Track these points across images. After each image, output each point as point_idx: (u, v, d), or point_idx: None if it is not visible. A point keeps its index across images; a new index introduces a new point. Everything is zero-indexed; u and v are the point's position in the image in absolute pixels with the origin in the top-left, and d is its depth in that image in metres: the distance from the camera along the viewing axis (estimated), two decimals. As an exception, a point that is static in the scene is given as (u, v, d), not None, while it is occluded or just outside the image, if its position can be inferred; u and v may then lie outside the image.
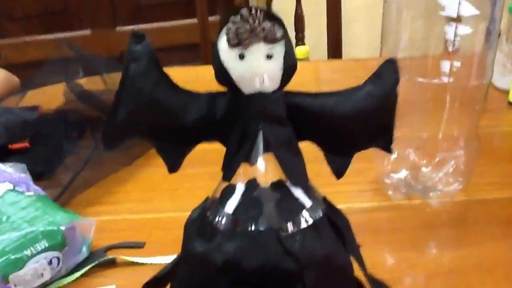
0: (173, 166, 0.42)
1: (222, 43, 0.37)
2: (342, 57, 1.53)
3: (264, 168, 0.41)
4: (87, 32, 1.74)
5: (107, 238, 0.63)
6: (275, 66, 0.38)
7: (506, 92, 0.98)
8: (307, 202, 0.41)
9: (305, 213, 0.41)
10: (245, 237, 0.39)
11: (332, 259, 0.41)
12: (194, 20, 1.61)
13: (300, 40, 1.62)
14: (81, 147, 0.78)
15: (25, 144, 0.79)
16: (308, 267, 0.39)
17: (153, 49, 0.38)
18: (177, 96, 0.39)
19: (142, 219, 0.69)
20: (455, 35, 0.62)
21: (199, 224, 0.42)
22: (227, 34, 0.37)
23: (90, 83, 0.87)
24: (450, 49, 0.63)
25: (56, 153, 0.77)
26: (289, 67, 0.38)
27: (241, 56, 0.37)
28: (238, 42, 0.36)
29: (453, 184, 0.69)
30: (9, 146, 0.79)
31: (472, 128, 0.69)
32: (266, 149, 0.40)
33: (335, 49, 1.51)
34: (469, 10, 0.61)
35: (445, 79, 0.64)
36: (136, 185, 0.77)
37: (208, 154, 0.67)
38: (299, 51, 1.29)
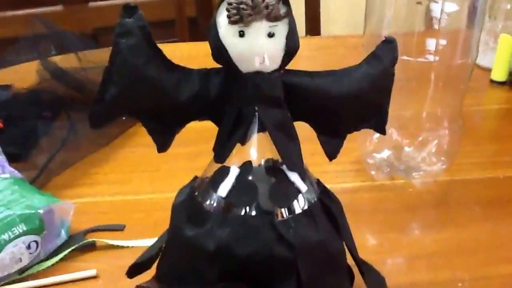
0: (163, 145, 0.41)
1: (222, 19, 0.36)
2: (320, 34, 1.51)
3: (258, 149, 0.40)
4: (58, 8, 1.70)
5: (86, 221, 0.62)
6: (277, 46, 0.36)
7: (489, 70, 0.98)
8: (303, 187, 0.40)
9: (300, 198, 0.40)
10: (238, 222, 0.38)
11: (326, 246, 0.40)
12: (169, -5, 1.58)
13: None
14: (56, 128, 0.76)
15: (-1, 125, 0.77)
16: (302, 254, 0.38)
17: (145, 23, 0.36)
18: (170, 73, 0.38)
19: (122, 201, 0.68)
20: (441, 12, 0.61)
21: (189, 207, 0.41)
22: (227, 9, 0.35)
23: (64, 61, 0.85)
24: (436, 26, 0.62)
25: (30, 135, 0.75)
26: (292, 47, 0.37)
27: (241, 34, 0.36)
28: (240, 19, 0.35)
29: (436, 164, 0.69)
30: (-18, 127, 0.76)
31: (456, 107, 0.68)
32: (261, 129, 0.39)
33: (313, 26, 1.49)
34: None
35: (430, 57, 0.63)
36: (114, 166, 0.75)
37: (188, 134, 0.66)
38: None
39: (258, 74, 0.37)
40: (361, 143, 0.71)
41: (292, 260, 0.38)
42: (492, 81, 0.97)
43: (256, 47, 0.36)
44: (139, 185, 0.71)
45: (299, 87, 0.39)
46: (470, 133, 0.77)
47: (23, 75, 0.87)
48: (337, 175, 0.70)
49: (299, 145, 0.40)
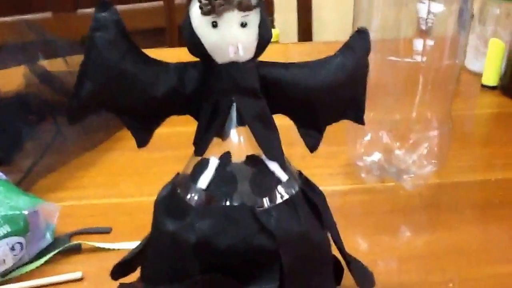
0: (142, 140, 0.40)
1: (194, 10, 0.36)
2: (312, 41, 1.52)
3: (237, 142, 0.39)
4: (47, 14, 1.70)
5: (71, 224, 0.61)
6: (250, 35, 0.36)
7: (479, 75, 0.98)
8: (283, 177, 0.40)
9: (280, 188, 0.39)
10: (219, 214, 0.37)
11: (309, 236, 0.40)
12: (160, 3, 1.58)
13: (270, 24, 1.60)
14: (42, 132, 0.75)
15: (-18, 128, 0.76)
16: (284, 244, 0.37)
17: (120, 17, 0.36)
18: (146, 68, 0.37)
19: (108, 204, 0.67)
20: (428, 13, 0.61)
21: (170, 202, 0.40)
22: (199, 0, 0.35)
23: (51, 65, 0.84)
24: (423, 27, 0.62)
25: (15, 138, 0.74)
26: (264, 37, 0.37)
27: (214, 24, 0.35)
28: (211, 9, 0.35)
29: (426, 167, 0.69)
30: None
31: (445, 109, 0.68)
32: (240, 122, 0.38)
33: (305, 34, 1.50)
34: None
35: (418, 58, 0.63)
36: (101, 169, 0.75)
37: (175, 138, 0.66)
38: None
39: (233, 64, 0.37)
40: (351, 146, 0.71)
41: (274, 251, 0.37)
42: (483, 86, 0.97)
43: (229, 37, 0.36)
44: (125, 188, 0.70)
45: (275, 79, 0.39)
46: (461, 137, 0.77)
47: (10, 79, 0.86)
48: (327, 177, 0.69)
49: (279, 135, 0.40)
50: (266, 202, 0.38)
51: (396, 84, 0.66)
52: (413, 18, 0.63)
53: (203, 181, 0.39)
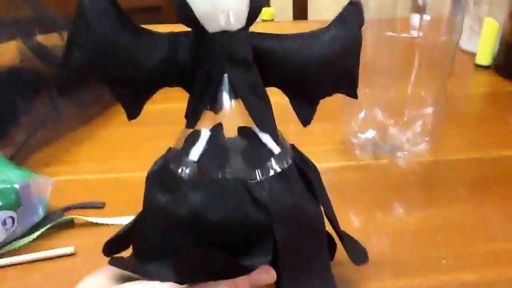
0: (133, 112, 0.39)
1: None
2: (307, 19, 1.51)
3: (230, 115, 0.39)
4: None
5: (64, 199, 0.61)
6: (241, 2, 0.36)
7: (474, 55, 0.97)
8: (276, 149, 0.39)
9: (273, 160, 0.39)
10: (211, 186, 0.37)
11: (302, 209, 0.39)
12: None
13: (265, 3, 1.59)
14: (36, 106, 0.74)
15: (-24, 102, 0.75)
16: (277, 216, 0.37)
17: None
18: (137, 37, 0.36)
19: (102, 179, 0.67)
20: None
21: (162, 176, 0.40)
22: None
23: (47, 40, 0.83)
24: (420, 3, 0.61)
25: (9, 112, 0.73)
26: (255, 4, 0.36)
27: None
28: None
29: (420, 144, 0.69)
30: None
31: (440, 87, 0.68)
32: (232, 95, 0.38)
33: (300, 14, 1.48)
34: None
35: (414, 33, 0.62)
36: (95, 144, 0.75)
37: (169, 113, 0.66)
38: (264, 13, 1.26)
39: (224, 33, 0.36)
40: (345, 123, 0.71)
41: (267, 223, 0.37)
42: (476, 66, 0.97)
43: (220, 4, 0.35)
44: (120, 163, 0.70)
45: (268, 51, 0.38)
46: (454, 115, 0.77)
47: (4, 53, 0.85)
48: (322, 154, 0.69)
49: (271, 107, 0.39)
50: (258, 174, 0.38)
51: (391, 61, 0.66)
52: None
53: (195, 153, 0.38)
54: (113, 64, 0.37)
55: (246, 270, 0.37)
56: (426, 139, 0.69)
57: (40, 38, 0.83)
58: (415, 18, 0.62)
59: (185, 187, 0.37)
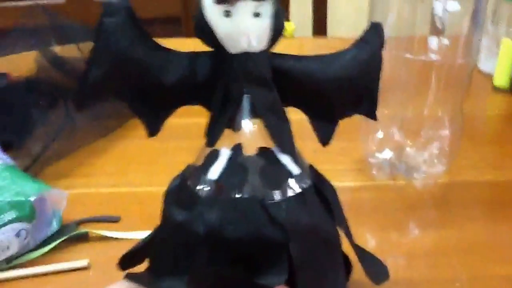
0: (153, 130, 0.39)
1: None
2: (326, 35, 1.51)
3: (249, 134, 0.39)
4: (61, 0, 1.69)
5: (79, 212, 0.61)
6: (263, 25, 0.36)
7: (491, 76, 0.97)
8: (295, 170, 0.39)
9: (291, 181, 0.39)
10: (229, 205, 0.37)
11: (319, 229, 0.39)
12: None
13: (285, 18, 1.59)
14: (52, 117, 0.75)
15: (-9, 112, 0.76)
16: (294, 236, 0.37)
17: (130, 4, 0.35)
18: (156, 55, 0.37)
19: (117, 193, 0.66)
20: (444, 11, 0.60)
21: (179, 193, 0.40)
22: None
23: (64, 51, 0.84)
24: (438, 25, 0.61)
25: (25, 123, 0.74)
26: (278, 27, 0.36)
27: (227, 13, 0.35)
28: None
29: (437, 165, 0.68)
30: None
31: (456, 107, 0.67)
32: (251, 114, 0.38)
33: (320, 29, 1.49)
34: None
35: (432, 56, 0.62)
36: (111, 157, 0.74)
37: (187, 128, 0.66)
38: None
39: (245, 54, 0.36)
40: (363, 142, 0.71)
41: (283, 243, 0.37)
42: (494, 87, 0.96)
43: (242, 27, 0.35)
44: (135, 178, 0.70)
45: (287, 70, 0.38)
46: (471, 137, 0.77)
47: (21, 64, 0.86)
48: (338, 173, 0.69)
49: (290, 127, 0.39)
50: (276, 195, 0.38)
51: (408, 82, 0.65)
52: (428, 16, 0.62)
53: (214, 172, 0.38)
54: (132, 81, 0.37)
55: None
56: (443, 160, 0.68)
57: (57, 49, 0.84)
58: (433, 41, 0.62)
59: (202, 205, 0.37)
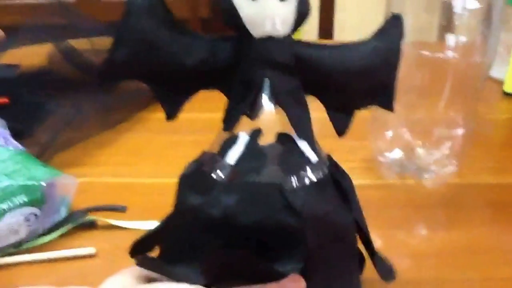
0: (171, 113, 0.39)
1: None
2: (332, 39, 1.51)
3: (268, 120, 0.38)
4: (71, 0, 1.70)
5: (86, 200, 0.61)
6: (288, 10, 0.36)
7: (501, 82, 0.97)
8: (313, 157, 0.39)
9: (309, 168, 0.38)
10: (246, 190, 0.37)
11: (335, 218, 0.39)
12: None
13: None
14: (62, 107, 0.75)
15: (4, 100, 0.76)
16: (310, 223, 0.37)
17: None
18: (180, 37, 0.37)
19: (124, 183, 0.67)
20: (463, 9, 0.60)
21: (195, 178, 0.39)
22: None
23: (76, 44, 0.84)
24: (457, 23, 0.61)
25: (36, 112, 0.74)
26: (303, 12, 0.36)
27: None
28: None
29: (447, 166, 0.68)
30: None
31: (470, 108, 0.67)
32: (271, 100, 0.37)
33: (326, 33, 1.49)
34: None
35: (449, 54, 0.62)
36: (119, 148, 0.75)
37: (193, 122, 0.66)
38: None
39: (269, 39, 0.36)
40: (373, 141, 0.70)
41: (299, 229, 0.36)
42: (505, 93, 0.96)
43: (268, 10, 0.35)
44: (142, 169, 0.70)
45: (309, 58, 0.38)
46: (481, 140, 0.77)
47: (34, 55, 0.86)
48: (347, 171, 0.68)
49: (310, 115, 0.39)
50: (294, 181, 0.37)
51: (422, 80, 0.65)
52: (446, 15, 0.62)
53: (232, 156, 0.38)
54: (155, 62, 0.37)
55: (279, 275, 0.36)
56: (453, 161, 0.68)
57: (70, 43, 0.84)
58: (451, 38, 0.61)
59: (218, 189, 0.37)
